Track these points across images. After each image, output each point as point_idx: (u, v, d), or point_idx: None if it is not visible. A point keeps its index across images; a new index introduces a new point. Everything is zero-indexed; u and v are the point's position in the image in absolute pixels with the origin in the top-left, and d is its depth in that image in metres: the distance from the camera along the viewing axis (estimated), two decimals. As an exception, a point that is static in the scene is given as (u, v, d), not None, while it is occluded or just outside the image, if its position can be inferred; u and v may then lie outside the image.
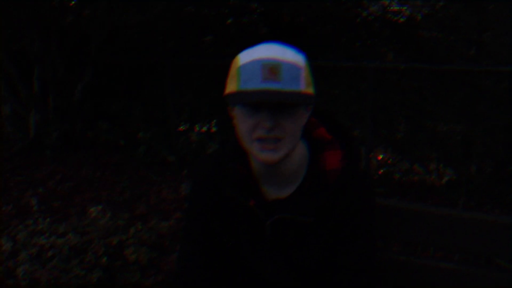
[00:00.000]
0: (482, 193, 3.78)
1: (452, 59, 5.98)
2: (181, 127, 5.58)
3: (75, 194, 3.67)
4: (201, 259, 1.19)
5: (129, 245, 2.70)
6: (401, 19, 6.94)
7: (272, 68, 0.99)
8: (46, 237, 2.72)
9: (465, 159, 5.46)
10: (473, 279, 1.28)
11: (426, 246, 2.12)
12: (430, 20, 6.79)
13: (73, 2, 4.88)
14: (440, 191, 4.23)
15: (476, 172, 5.47)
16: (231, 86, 1.04)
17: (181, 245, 1.25)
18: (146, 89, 5.38)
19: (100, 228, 2.85)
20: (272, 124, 1.01)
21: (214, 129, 6.35)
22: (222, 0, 6.36)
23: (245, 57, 1.04)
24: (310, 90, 1.06)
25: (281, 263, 1.15)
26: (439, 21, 6.70)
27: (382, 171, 5.34)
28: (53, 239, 2.70)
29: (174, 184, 3.87)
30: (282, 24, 6.32)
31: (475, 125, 5.33)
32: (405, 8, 6.96)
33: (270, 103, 1.00)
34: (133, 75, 5.27)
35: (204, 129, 6.59)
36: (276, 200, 1.13)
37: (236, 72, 1.04)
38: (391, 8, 7.03)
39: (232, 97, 1.03)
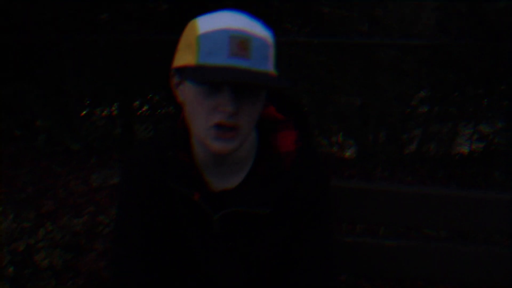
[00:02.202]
0: (393, 163, 3.97)
1: (349, 33, 6.20)
2: (83, 112, 5.20)
3: (-34, 195, 3.26)
4: (138, 263, 1.04)
5: (39, 249, 2.47)
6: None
7: (241, 42, 0.85)
8: None
9: (363, 129, 5.74)
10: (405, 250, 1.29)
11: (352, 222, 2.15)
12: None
13: None
14: (352, 163, 4.38)
15: (373, 140, 5.78)
16: (187, 57, 0.88)
17: (114, 248, 1.07)
18: (40, 71, 4.91)
19: (2, 233, 2.56)
20: (236, 108, 0.87)
21: (115, 113, 6.04)
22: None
23: (206, 24, 0.88)
24: (274, 71, 0.93)
25: (233, 261, 1.04)
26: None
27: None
28: None
29: (82, 175, 3.59)
30: (183, 1, 6.12)
31: (373, 96, 5.60)
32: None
33: (235, 84, 0.86)
34: (23, 56, 4.76)
35: (105, 113, 6.25)
36: (224, 191, 1.00)
37: (194, 41, 0.87)
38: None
39: (189, 72, 0.87)
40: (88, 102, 5.32)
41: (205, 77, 0.85)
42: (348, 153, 5.71)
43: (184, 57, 0.90)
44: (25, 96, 4.49)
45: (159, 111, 5.49)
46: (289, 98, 1.06)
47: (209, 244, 1.03)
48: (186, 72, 0.88)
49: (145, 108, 5.53)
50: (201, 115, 0.90)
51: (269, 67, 0.90)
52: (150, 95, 5.61)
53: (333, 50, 5.59)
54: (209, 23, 0.88)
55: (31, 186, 3.42)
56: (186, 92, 0.92)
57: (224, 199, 0.99)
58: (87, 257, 2.48)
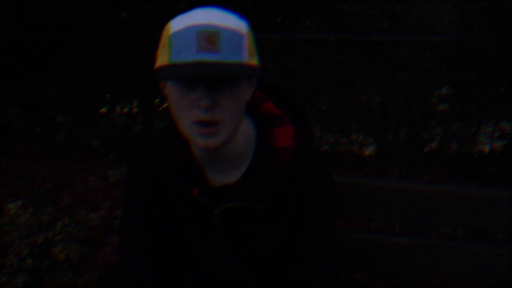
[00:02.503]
0: (411, 161, 3.92)
1: (369, 31, 6.15)
2: (102, 109, 5.28)
3: (-12, 189, 3.34)
4: (143, 257, 1.06)
5: (57, 242, 2.51)
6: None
7: (209, 36, 0.85)
8: (-43, 242, 2.45)
9: (384, 127, 5.68)
10: (421, 249, 1.26)
11: (367, 220, 2.13)
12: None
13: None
14: (370, 160, 4.34)
15: (393, 139, 5.72)
16: (162, 58, 0.90)
17: (120, 242, 1.10)
18: (62, 68, 5.00)
19: (21, 226, 2.61)
20: (210, 102, 0.87)
21: (135, 110, 6.10)
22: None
23: (177, 23, 0.89)
24: (254, 61, 0.92)
25: (233, 256, 1.04)
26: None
27: (311, 144, 5.42)
28: (-33, 243, 2.42)
29: (100, 171, 3.64)
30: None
31: (393, 94, 5.54)
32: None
33: (208, 78, 0.87)
34: (46, 54, 4.86)
35: (126, 110, 6.32)
36: (223, 186, 1.01)
37: (167, 41, 0.89)
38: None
39: (162, 71, 0.89)
40: (108, 99, 5.39)
41: (174, 73, 0.87)
42: (367, 151, 5.68)
43: (160, 58, 0.91)
44: (45, 93, 4.59)
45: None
46: (287, 94, 1.06)
47: (209, 239, 1.03)
48: (160, 72, 0.89)
49: (165, 105, 5.58)
50: (182, 112, 0.91)
51: (243, 57, 0.89)
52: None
53: (352, 48, 5.55)
54: (179, 22, 0.89)
55: (50, 181, 3.49)
56: (168, 92, 0.94)
57: (223, 194, 1.00)
58: (103, 251, 2.51)
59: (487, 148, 4.50)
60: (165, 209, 1.04)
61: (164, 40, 0.90)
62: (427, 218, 1.26)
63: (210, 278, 1.06)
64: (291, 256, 1.04)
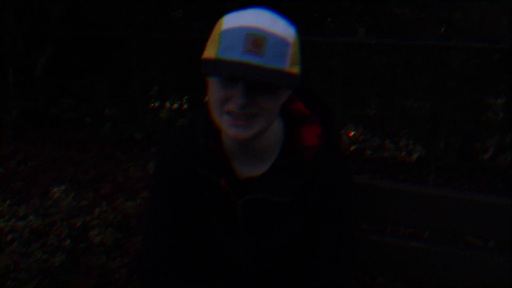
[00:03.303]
0: (450, 170, 3.81)
1: (422, 36, 5.98)
2: (152, 104, 5.44)
3: (38, 174, 3.54)
4: (167, 241, 1.11)
5: (94, 227, 2.61)
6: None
7: (257, 40, 0.89)
8: (5, 220, 2.61)
9: (434, 135, 5.52)
10: (447, 257, 1.25)
11: (396, 224, 2.11)
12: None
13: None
14: (410, 167, 4.26)
15: (444, 148, 5.55)
16: (210, 51, 0.94)
17: (146, 226, 1.15)
18: (112, 64, 5.20)
19: (63, 209, 2.75)
20: (246, 101, 0.92)
21: (185, 106, 6.24)
22: (191, -27, 6.16)
23: (230, 21, 0.93)
24: (295, 69, 0.95)
25: (254, 247, 1.08)
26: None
27: (353, 147, 5.35)
28: (13, 222, 2.59)
29: (141, 162, 3.77)
30: (253, -1, 6.20)
31: (444, 102, 5.38)
32: (376, -16, 6.89)
33: (247, 78, 0.91)
34: (98, 50, 5.08)
35: (176, 106, 6.47)
36: (249, 178, 1.05)
37: (218, 36, 0.93)
38: (362, -16, 6.95)
39: (208, 65, 0.92)
40: (155, 94, 5.53)
41: (218, 70, 0.90)
42: (414, 158, 5.54)
43: (209, 50, 0.94)
44: (95, 87, 4.78)
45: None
46: (316, 95, 1.09)
47: (231, 230, 1.08)
48: (205, 64, 0.92)
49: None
50: (217, 102, 0.95)
51: (285, 65, 0.92)
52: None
53: (399, 52, 5.43)
54: (232, 20, 0.92)
55: (94, 170, 3.64)
56: (211, 81, 0.98)
57: (248, 186, 1.04)
58: (136, 238, 2.60)
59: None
60: (192, 198, 1.08)
61: (215, 34, 0.94)
62: (457, 226, 1.24)
63: (229, 269, 1.11)
64: (309, 251, 1.08)
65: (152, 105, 5.58)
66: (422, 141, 5.78)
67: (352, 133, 6.03)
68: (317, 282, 1.07)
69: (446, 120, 5.39)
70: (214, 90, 0.95)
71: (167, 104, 6.35)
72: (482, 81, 5.32)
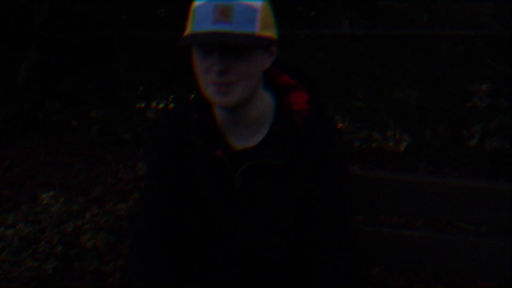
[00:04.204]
0: (440, 157, 3.84)
1: (406, 26, 6.01)
2: (138, 105, 5.41)
3: (26, 180, 3.49)
4: (162, 218, 1.12)
5: (85, 231, 2.59)
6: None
7: (224, 10, 0.97)
8: (-6, 229, 2.57)
9: (421, 124, 5.56)
10: (443, 244, 1.24)
11: (389, 214, 2.11)
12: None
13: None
14: (399, 157, 4.28)
15: (431, 136, 5.59)
16: (188, 29, 1.02)
17: (142, 205, 1.18)
18: (98, 65, 5.15)
19: (53, 215, 2.71)
20: (222, 67, 0.98)
21: (171, 105, 6.21)
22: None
23: None
24: (269, 33, 1.02)
25: (252, 219, 1.09)
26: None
27: (342, 139, 5.37)
28: (2, 231, 2.55)
29: (130, 164, 3.75)
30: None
31: (431, 90, 5.41)
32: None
33: (221, 46, 0.97)
34: (83, 51, 5.02)
35: (162, 105, 6.43)
36: (244, 149, 1.08)
37: (191, 14, 1.01)
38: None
39: (184, 39, 1.00)
40: (141, 94, 5.50)
41: (191, 41, 0.98)
42: (402, 148, 5.58)
43: (187, 29, 1.02)
44: (81, 89, 4.73)
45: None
46: (300, 68, 1.16)
47: (229, 203, 1.09)
48: (182, 39, 1.00)
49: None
50: (201, 75, 1.02)
51: (256, 29, 0.99)
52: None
53: (385, 42, 5.45)
54: None
55: (83, 173, 3.61)
56: (193, 58, 1.04)
57: (244, 157, 1.07)
58: (128, 241, 2.59)
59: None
60: (187, 171, 1.10)
61: (190, 13, 1.02)
62: (450, 213, 1.24)
63: (228, 241, 1.11)
64: (306, 218, 1.09)
65: (138, 105, 5.55)
66: (409, 130, 5.82)
67: (340, 124, 6.04)
68: (324, 249, 1.08)
69: (432, 108, 5.43)
70: (196, 64, 1.02)
71: (153, 104, 6.32)
72: (467, 68, 5.36)
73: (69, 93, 4.78)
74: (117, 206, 2.89)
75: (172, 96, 6.38)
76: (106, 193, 3.21)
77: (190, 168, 1.10)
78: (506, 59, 4.82)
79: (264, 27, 1.00)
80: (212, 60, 0.99)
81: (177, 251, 1.14)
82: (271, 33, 1.03)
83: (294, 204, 1.08)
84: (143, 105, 5.75)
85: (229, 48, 0.98)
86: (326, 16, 6.67)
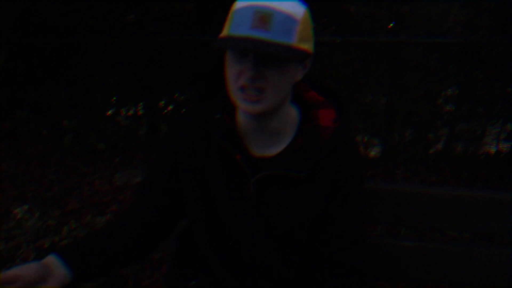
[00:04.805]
0: (417, 163, 3.90)
1: (375, 31, 6.11)
2: (109, 111, 5.28)
3: (-4, 193, 3.35)
4: (149, 205, 1.13)
5: None
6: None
7: (263, 16, 0.95)
8: (-35, 246, 2.45)
9: (390, 128, 5.64)
10: (431, 253, 1.27)
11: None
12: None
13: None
14: (376, 162, 4.32)
15: (399, 140, 5.68)
16: (224, 31, 1.01)
17: (136, 192, 1.18)
18: (69, 71, 5.01)
19: (28, 230, 2.61)
20: (254, 73, 0.97)
21: (141, 112, 6.09)
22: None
23: (241, 1, 1.00)
24: (305, 46, 1.00)
25: (262, 228, 1.07)
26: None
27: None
28: (-25, 247, 2.43)
29: (107, 174, 3.65)
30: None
31: (399, 95, 5.50)
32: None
33: (256, 52, 0.96)
34: (53, 57, 4.87)
35: (131, 112, 6.31)
36: (263, 157, 1.07)
37: (230, 16, 1.00)
38: (316, -19, 7.03)
39: (219, 41, 0.98)
40: (114, 101, 5.38)
41: (226, 44, 0.98)
42: (373, 153, 5.64)
43: (223, 31, 1.01)
44: (52, 96, 4.59)
45: (184, 110, 5.53)
46: (330, 86, 1.15)
47: (240, 209, 1.07)
48: (218, 41, 0.98)
49: (170, 107, 5.58)
50: (231, 78, 1.01)
51: (292, 40, 0.96)
52: (176, 95, 5.67)
53: (358, 48, 5.51)
54: (243, 1, 0.99)
55: (57, 185, 3.49)
56: (226, 61, 1.03)
57: (262, 165, 1.06)
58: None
59: (493, 149, 4.47)
60: (199, 172, 1.09)
61: (229, 15, 1.01)
62: (434, 221, 1.27)
63: (231, 249, 1.09)
64: (319, 235, 1.08)
65: (109, 112, 5.42)
66: (379, 134, 5.89)
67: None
68: (336, 269, 1.07)
69: (401, 112, 5.52)
70: (229, 67, 1.01)
71: (123, 111, 6.19)
72: (436, 74, 5.47)
73: (40, 101, 4.62)
74: (96, 219, 2.81)
75: (141, 104, 6.27)
76: (83, 205, 3.11)
77: (204, 167, 1.09)
78: (472, 65, 4.95)
79: (301, 39, 0.98)
80: (245, 64, 0.98)
81: (149, 237, 1.14)
82: (307, 46, 1.01)
83: (307, 219, 1.07)
84: (113, 111, 5.62)
85: (264, 55, 0.97)
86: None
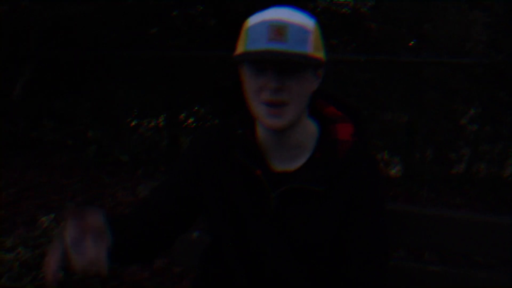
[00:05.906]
0: (440, 183, 3.86)
1: (396, 50, 6.10)
2: (131, 123, 5.35)
3: (21, 201, 3.41)
4: (159, 209, 1.14)
5: None
6: (347, 11, 7.01)
7: (278, 29, 0.98)
8: (-8, 252, 2.49)
9: (410, 147, 5.60)
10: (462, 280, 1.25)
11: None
12: (375, 12, 6.91)
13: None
14: (397, 182, 4.29)
15: (420, 159, 5.63)
16: (239, 48, 1.03)
17: (151, 190, 1.19)
18: (93, 84, 5.11)
19: (54, 239, 2.63)
20: (277, 84, 0.99)
21: (162, 124, 6.16)
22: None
23: (254, 19, 1.03)
24: (319, 54, 1.04)
25: (283, 243, 1.07)
26: (384, 13, 6.82)
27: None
28: (1, 254, 2.46)
29: (129, 186, 3.68)
30: (231, 15, 6.21)
31: (420, 114, 5.47)
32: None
33: (275, 64, 0.99)
34: (78, 70, 4.98)
35: (152, 124, 6.38)
36: (283, 172, 1.09)
37: (244, 33, 1.03)
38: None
39: (238, 57, 1.02)
40: (135, 114, 5.46)
41: (247, 58, 1.00)
42: (393, 171, 5.59)
43: (238, 48, 1.04)
44: (77, 108, 4.67)
45: (202, 123, 5.60)
46: (348, 101, 1.16)
47: (261, 224, 1.07)
48: (236, 57, 1.02)
49: (190, 120, 5.65)
50: (253, 94, 1.02)
51: (308, 49, 1.00)
52: (196, 108, 5.74)
53: (379, 67, 5.51)
54: (256, 18, 1.03)
55: (80, 195, 3.53)
56: (243, 76, 1.05)
57: (283, 179, 1.07)
58: (132, 267, 2.52)
59: (518, 172, 4.40)
60: (220, 185, 1.10)
61: (242, 33, 1.04)
62: (459, 245, 1.26)
63: (256, 265, 1.09)
64: (339, 250, 1.07)
65: (132, 123, 5.49)
66: (399, 153, 5.85)
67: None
68: (353, 287, 1.06)
69: (421, 131, 5.48)
70: (248, 83, 1.03)
71: (145, 123, 6.26)
72: (457, 93, 5.43)
73: (65, 112, 4.71)
74: (119, 230, 2.82)
75: (163, 116, 6.35)
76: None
77: (225, 181, 1.10)
78: (496, 86, 4.91)
79: (315, 48, 1.02)
80: (265, 79, 1.00)
81: (150, 238, 1.14)
82: (321, 55, 1.04)
83: (327, 233, 1.07)
84: (135, 123, 5.69)
85: (283, 67, 0.99)
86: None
